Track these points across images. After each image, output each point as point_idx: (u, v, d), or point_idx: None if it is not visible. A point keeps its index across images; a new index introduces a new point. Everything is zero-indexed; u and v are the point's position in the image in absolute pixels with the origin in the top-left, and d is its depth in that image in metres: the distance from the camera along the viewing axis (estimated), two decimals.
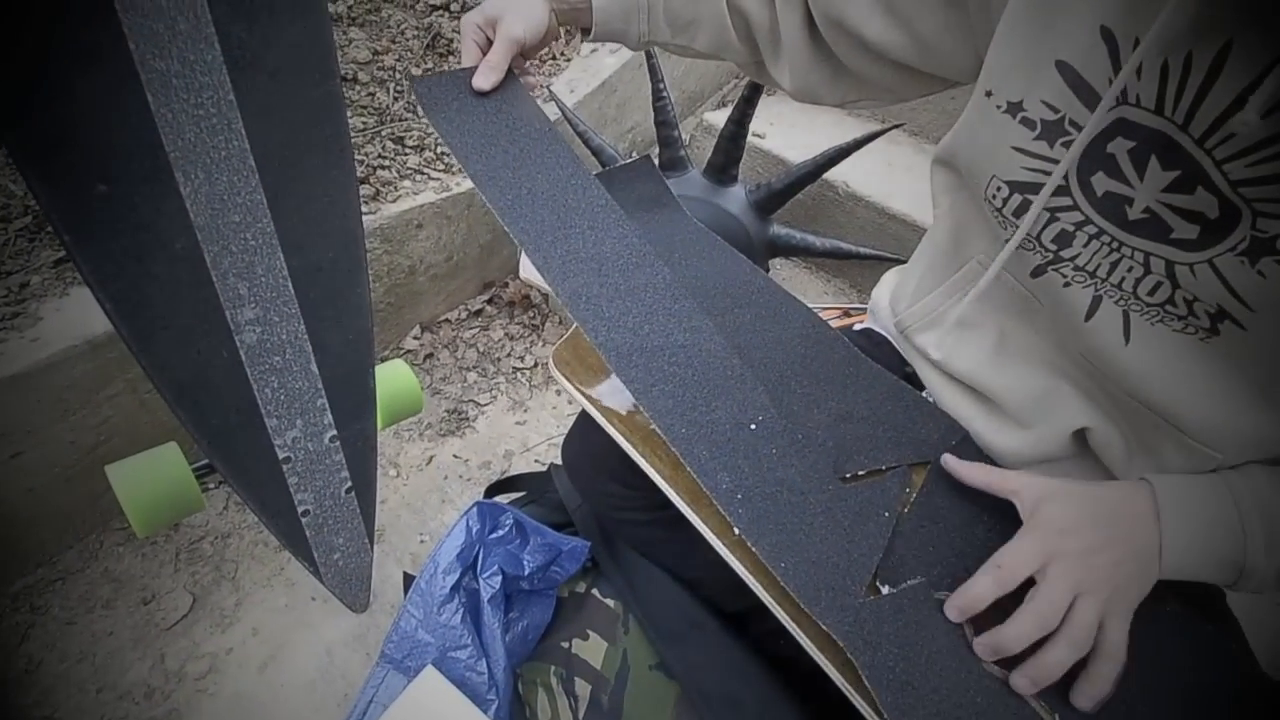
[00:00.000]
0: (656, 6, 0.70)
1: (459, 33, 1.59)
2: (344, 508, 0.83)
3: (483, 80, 0.68)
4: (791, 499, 0.56)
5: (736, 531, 0.54)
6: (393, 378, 0.95)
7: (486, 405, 1.32)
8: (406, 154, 1.32)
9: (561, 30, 0.73)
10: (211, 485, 1.06)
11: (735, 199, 1.33)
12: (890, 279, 0.79)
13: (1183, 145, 0.44)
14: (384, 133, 1.32)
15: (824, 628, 0.50)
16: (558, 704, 0.84)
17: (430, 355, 1.39)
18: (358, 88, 1.38)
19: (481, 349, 1.43)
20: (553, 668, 0.87)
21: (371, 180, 1.23)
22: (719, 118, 1.58)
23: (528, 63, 0.75)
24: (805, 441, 0.60)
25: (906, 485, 0.62)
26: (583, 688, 0.85)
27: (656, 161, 1.42)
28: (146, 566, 0.95)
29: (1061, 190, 0.51)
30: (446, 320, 1.47)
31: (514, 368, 1.41)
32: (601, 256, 0.64)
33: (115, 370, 0.91)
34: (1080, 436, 0.59)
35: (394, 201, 1.23)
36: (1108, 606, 0.47)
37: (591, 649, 0.88)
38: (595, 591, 0.93)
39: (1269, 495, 0.48)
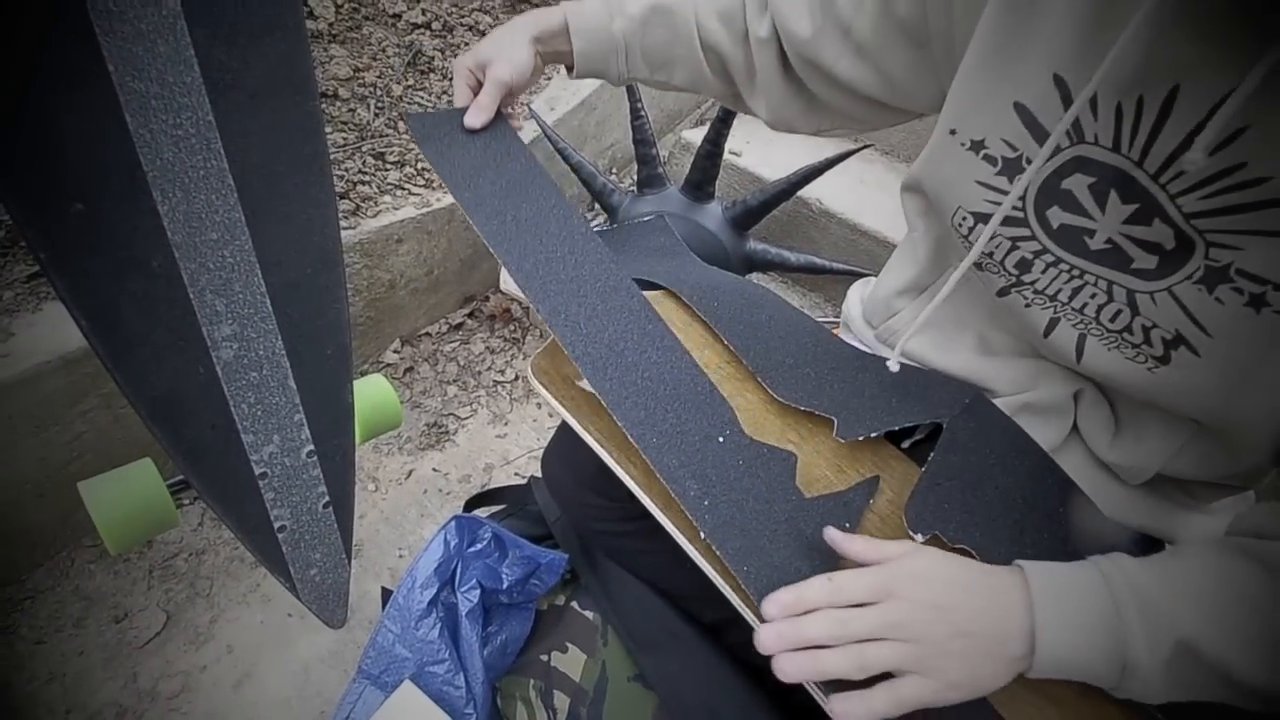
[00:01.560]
0: (634, 47, 0.73)
1: (440, 51, 1.61)
2: (321, 523, 0.83)
3: (474, 119, 0.72)
4: (756, 507, 0.58)
5: (703, 536, 0.56)
6: (371, 393, 0.95)
7: (467, 419, 1.32)
8: (387, 169, 1.32)
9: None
10: (187, 501, 1.05)
11: (712, 216, 1.34)
12: (857, 292, 0.82)
13: (1139, 180, 0.47)
14: (364, 148, 1.33)
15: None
16: (536, 717, 0.84)
17: (410, 369, 1.38)
18: (338, 104, 1.39)
19: (462, 362, 1.43)
20: (531, 681, 0.87)
21: (352, 195, 1.23)
22: (697, 135, 1.60)
23: (517, 100, 0.78)
24: (770, 455, 0.63)
25: (871, 496, 0.64)
26: (561, 700, 0.85)
27: (635, 178, 1.44)
28: (119, 584, 0.94)
29: (1019, 222, 0.54)
30: (427, 334, 1.47)
31: (494, 381, 1.41)
32: (580, 279, 0.67)
33: (89, 386, 0.90)
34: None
35: (374, 216, 1.23)
36: (917, 664, 0.42)
37: (570, 662, 0.88)
38: (574, 604, 0.93)
39: (1144, 584, 0.44)
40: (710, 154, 1.28)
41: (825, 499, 0.63)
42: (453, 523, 0.80)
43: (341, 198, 1.21)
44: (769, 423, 0.67)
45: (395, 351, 1.40)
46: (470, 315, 1.53)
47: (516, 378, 1.42)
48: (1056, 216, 0.52)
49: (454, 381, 1.39)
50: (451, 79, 1.03)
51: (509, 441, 1.29)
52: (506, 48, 0.71)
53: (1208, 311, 0.46)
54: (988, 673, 0.43)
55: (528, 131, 1.52)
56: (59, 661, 0.86)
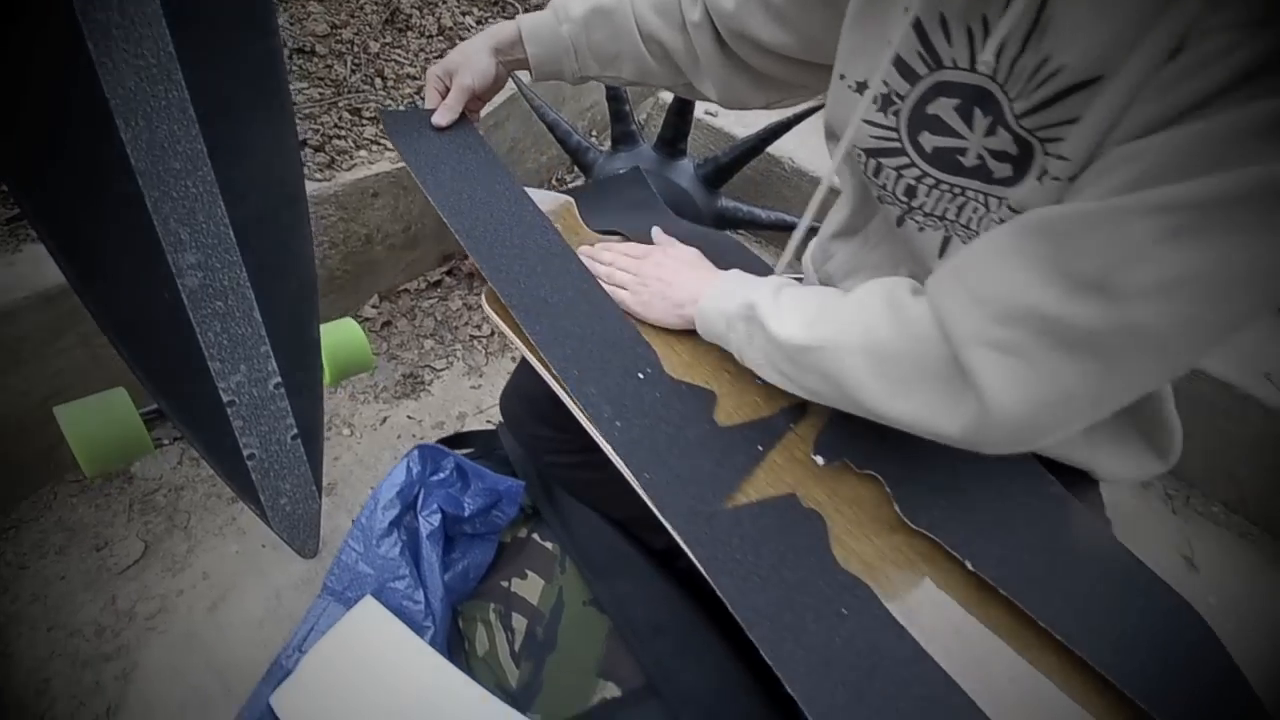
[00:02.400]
0: (582, 48, 0.81)
1: (418, 9, 1.62)
2: (290, 454, 0.87)
3: (440, 119, 0.83)
4: (667, 430, 0.65)
5: (609, 449, 0.61)
6: (341, 334, 0.98)
7: (442, 370, 1.36)
8: (363, 125, 1.34)
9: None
10: (166, 441, 1.09)
11: (684, 172, 1.37)
12: (812, 244, 0.87)
13: (994, 94, 0.51)
14: (340, 104, 1.35)
15: (678, 538, 0.58)
16: (495, 637, 0.89)
17: (388, 323, 1.42)
18: (315, 60, 1.41)
19: (439, 318, 1.46)
20: (492, 605, 0.91)
21: (327, 149, 1.25)
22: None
23: (482, 105, 0.90)
24: (689, 391, 0.70)
25: (794, 421, 0.69)
26: (519, 622, 0.90)
27: (609, 135, 1.46)
28: (100, 516, 0.98)
29: (899, 151, 0.60)
30: (405, 290, 1.50)
31: (471, 336, 1.45)
32: (523, 246, 0.77)
33: (67, 323, 0.94)
34: None
35: (349, 170, 1.25)
36: (633, 288, 0.72)
37: (529, 587, 0.92)
38: (535, 536, 0.97)
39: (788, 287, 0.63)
40: (680, 110, 1.30)
41: (744, 425, 0.68)
42: (415, 451, 0.83)
43: (317, 150, 1.24)
44: (700, 366, 0.72)
45: (374, 306, 1.43)
46: (449, 273, 1.56)
47: (493, 333, 1.46)
48: (929, 141, 0.56)
49: (431, 335, 1.43)
50: (428, 36, 1.09)
51: (483, 392, 1.33)
52: (470, 57, 0.81)
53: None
54: (658, 314, 0.71)
55: (505, 90, 1.55)
56: (41, 585, 0.90)
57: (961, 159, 0.56)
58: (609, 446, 0.64)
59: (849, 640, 0.56)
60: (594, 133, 1.87)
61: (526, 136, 1.63)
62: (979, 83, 0.52)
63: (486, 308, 0.76)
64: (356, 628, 0.74)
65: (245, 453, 0.84)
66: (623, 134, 1.39)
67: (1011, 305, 0.47)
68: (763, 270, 0.79)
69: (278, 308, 0.81)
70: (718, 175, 1.36)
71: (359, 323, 1.46)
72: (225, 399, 0.80)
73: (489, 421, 1.27)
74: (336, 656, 0.73)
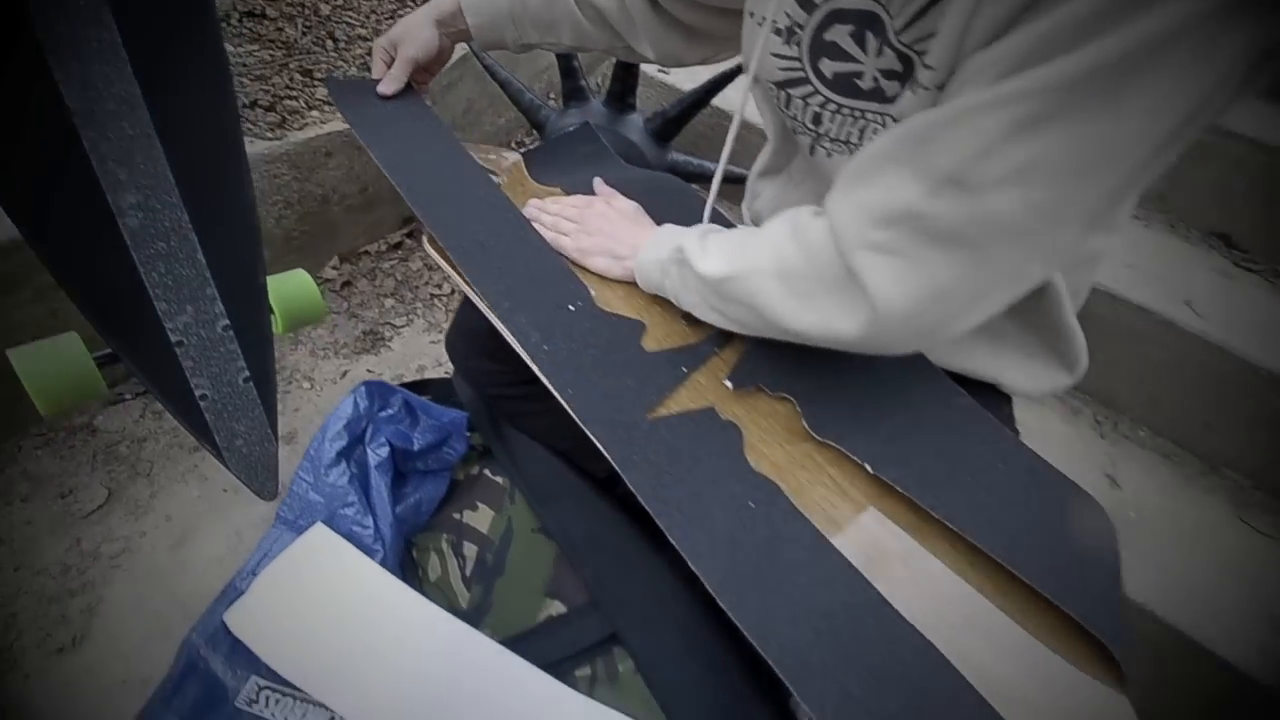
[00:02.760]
0: (520, 16, 0.84)
1: None
2: (243, 396, 0.90)
3: (385, 88, 0.88)
4: (594, 353, 0.70)
5: (536, 370, 0.66)
6: (292, 283, 1.01)
7: (403, 327, 1.39)
8: (315, 86, 1.36)
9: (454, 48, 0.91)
10: (128, 396, 1.12)
11: (635, 127, 1.40)
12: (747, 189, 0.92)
13: (878, 14, 0.55)
14: (291, 65, 1.36)
15: (597, 443, 0.63)
16: (448, 564, 0.93)
17: (348, 283, 1.44)
18: (266, 23, 1.42)
19: (400, 278, 1.49)
20: (445, 535, 0.96)
21: (278, 108, 1.27)
22: None
23: (429, 76, 0.94)
24: (618, 321, 0.75)
25: (719, 347, 0.74)
26: (470, 549, 0.94)
27: (561, 91, 1.48)
28: (64, 467, 1.01)
29: (803, 80, 0.63)
30: (366, 252, 1.52)
31: (432, 295, 1.48)
32: (464, 198, 0.81)
33: (22, 277, 0.96)
34: None
35: (301, 129, 1.27)
36: (574, 236, 0.76)
37: (480, 518, 0.97)
38: (486, 471, 1.01)
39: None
40: (626, 65, 1.33)
41: (671, 350, 0.73)
42: (362, 386, 0.87)
43: (267, 110, 1.25)
44: (632, 301, 0.77)
45: (334, 268, 1.46)
46: (409, 235, 1.59)
47: (453, 292, 1.49)
48: (829, 67, 0.60)
49: (392, 295, 1.45)
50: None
51: (443, 347, 1.36)
52: (413, 29, 0.85)
53: None
54: (601, 265, 0.75)
55: (457, 50, 1.56)
56: (6, 529, 0.93)
57: (859, 82, 0.59)
58: (536, 368, 0.68)
59: (752, 527, 0.61)
60: (551, 95, 1.89)
61: (482, 98, 1.65)
62: (866, 6, 0.55)
63: (427, 246, 0.80)
64: (308, 550, 0.78)
65: (197, 393, 0.87)
66: (573, 90, 1.41)
67: (887, 208, 0.51)
68: (701, 208, 0.83)
69: (222, 250, 0.84)
70: (667, 129, 1.39)
71: (319, 283, 1.49)
72: (174, 339, 0.83)
73: (447, 374, 1.30)
74: (289, 577, 0.77)
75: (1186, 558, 0.97)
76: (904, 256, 0.51)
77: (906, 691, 0.53)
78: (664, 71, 1.62)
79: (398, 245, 1.54)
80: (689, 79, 1.59)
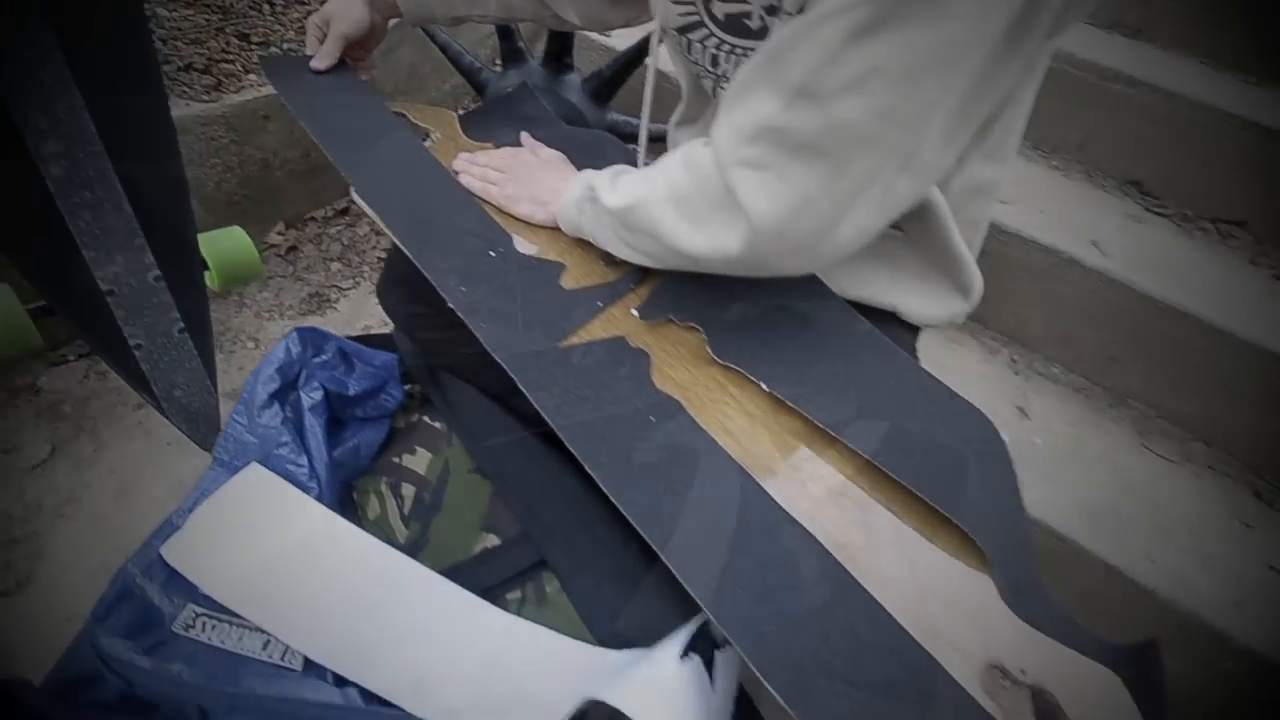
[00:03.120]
0: None
1: None
2: (178, 347, 0.92)
3: (318, 63, 0.92)
4: (512, 294, 0.74)
5: (455, 308, 0.70)
6: (228, 239, 1.03)
7: (349, 290, 1.41)
8: (251, 49, 1.36)
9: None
10: (71, 357, 1.13)
11: (573, 87, 1.42)
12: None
13: None
14: (228, 29, 1.36)
15: (507, 369, 0.67)
16: (386, 504, 0.96)
17: (294, 248, 1.46)
18: None
19: (346, 243, 1.51)
20: (384, 479, 0.99)
21: (214, 71, 1.28)
22: None
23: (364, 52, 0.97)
24: (539, 264, 0.79)
25: (635, 283, 0.78)
26: (408, 490, 0.98)
27: (499, 53, 1.50)
28: (6, 425, 1.03)
29: (700, 25, 0.66)
30: (312, 218, 1.53)
31: (379, 258, 1.50)
32: (390, 155, 0.86)
33: None
34: None
35: (238, 93, 1.28)
36: (500, 184, 0.81)
37: (418, 461, 1.00)
38: (424, 418, 1.05)
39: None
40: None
41: (588, 288, 0.78)
42: (294, 333, 0.89)
43: (202, 73, 1.26)
44: (554, 245, 0.81)
45: (279, 233, 1.47)
46: None
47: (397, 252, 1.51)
48: (719, 9, 0.63)
49: (339, 259, 1.47)
50: None
51: None
52: (345, 6, 0.89)
53: None
54: (525, 211, 0.79)
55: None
56: None
57: (748, 22, 0.63)
58: (454, 306, 0.72)
59: (651, 439, 0.65)
60: (496, 60, 1.90)
61: (426, 63, 1.66)
62: None
63: (353, 194, 0.83)
64: (243, 487, 0.81)
65: (132, 343, 0.89)
66: (510, 51, 1.43)
67: (753, 124, 0.55)
68: (631, 162, 0.87)
69: (150, 201, 0.86)
70: (604, 89, 1.42)
71: (264, 249, 1.50)
72: (105, 288, 0.84)
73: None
74: (225, 511, 0.80)
75: (1087, 479, 1.04)
76: (770, 170, 0.55)
77: (791, 576, 0.58)
78: (607, 35, 1.64)
79: (344, 211, 1.56)
80: (629, 39, 1.62)
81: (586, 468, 0.62)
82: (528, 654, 0.71)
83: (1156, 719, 0.52)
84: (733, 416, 0.70)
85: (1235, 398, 1.12)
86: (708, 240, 0.63)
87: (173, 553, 0.76)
